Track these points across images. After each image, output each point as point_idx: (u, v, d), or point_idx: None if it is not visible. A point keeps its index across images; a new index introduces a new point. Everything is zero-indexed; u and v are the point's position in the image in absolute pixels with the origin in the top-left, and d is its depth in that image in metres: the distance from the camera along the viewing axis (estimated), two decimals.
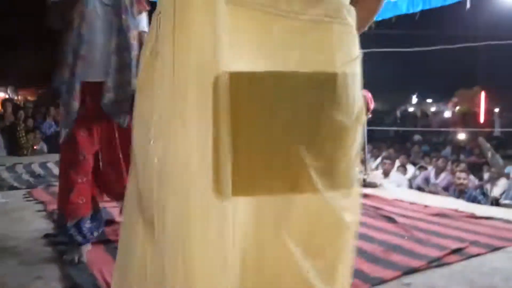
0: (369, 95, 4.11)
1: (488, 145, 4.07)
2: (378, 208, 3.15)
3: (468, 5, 4.73)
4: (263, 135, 0.86)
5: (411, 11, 5.17)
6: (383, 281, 1.86)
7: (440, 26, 10.57)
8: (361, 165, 4.81)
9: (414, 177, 6.76)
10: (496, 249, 2.31)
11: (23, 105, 10.59)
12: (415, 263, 2.04)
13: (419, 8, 5.14)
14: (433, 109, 25.18)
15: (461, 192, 4.60)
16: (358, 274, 1.92)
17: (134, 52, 1.99)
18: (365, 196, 3.63)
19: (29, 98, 14.42)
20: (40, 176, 4.71)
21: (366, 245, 2.28)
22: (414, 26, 6.14)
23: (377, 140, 10.78)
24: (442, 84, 21.17)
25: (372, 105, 4.09)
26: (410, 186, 6.43)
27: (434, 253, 2.18)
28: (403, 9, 5.21)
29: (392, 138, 11.98)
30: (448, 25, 10.84)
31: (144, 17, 2.11)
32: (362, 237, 2.46)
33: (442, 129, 9.28)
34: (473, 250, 2.26)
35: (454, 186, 5.01)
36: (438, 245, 2.31)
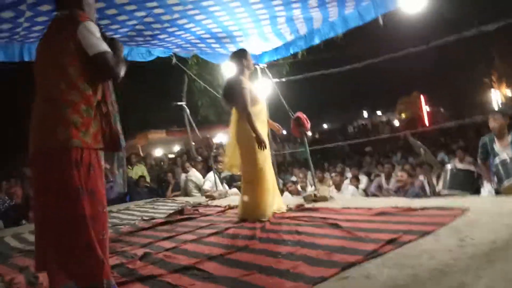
0: (304, 115, 4.42)
1: (419, 143, 4.42)
2: (325, 218, 3.36)
3: (381, 23, 5.24)
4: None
5: (332, 34, 5.64)
6: (324, 279, 2.04)
7: (360, 45, 11.37)
8: (311, 182, 5.05)
9: (368, 186, 7.09)
10: (426, 234, 2.53)
11: None
12: (353, 258, 2.24)
13: (340, 31, 5.61)
14: (383, 119, 26.39)
15: (405, 191, 4.90)
16: (301, 277, 2.10)
17: None
18: (315, 209, 3.85)
19: None
20: None
21: (310, 252, 2.47)
22: (338, 48, 6.61)
23: (332, 157, 11.22)
24: (386, 96, 22.42)
25: (308, 125, 4.38)
26: (366, 195, 6.75)
27: (371, 247, 2.39)
28: (326, 34, 5.68)
29: (347, 153, 12.46)
30: (368, 43, 11.68)
31: None
32: (307, 245, 2.66)
33: (388, 135, 9.75)
34: (406, 238, 2.47)
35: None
36: (376, 240, 2.52)
